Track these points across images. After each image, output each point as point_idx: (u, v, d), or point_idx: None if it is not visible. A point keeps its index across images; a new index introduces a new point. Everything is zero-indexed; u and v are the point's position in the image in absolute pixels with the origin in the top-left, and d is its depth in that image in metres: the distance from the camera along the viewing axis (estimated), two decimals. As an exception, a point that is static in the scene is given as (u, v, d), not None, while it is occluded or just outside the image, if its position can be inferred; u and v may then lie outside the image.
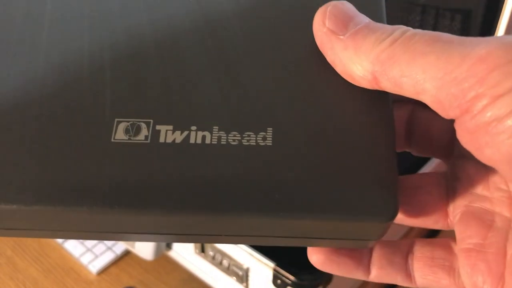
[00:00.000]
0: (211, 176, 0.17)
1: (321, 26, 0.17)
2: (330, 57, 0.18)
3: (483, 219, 0.18)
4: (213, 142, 0.17)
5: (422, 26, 0.47)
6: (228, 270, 0.54)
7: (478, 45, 0.15)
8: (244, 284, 0.53)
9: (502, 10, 0.39)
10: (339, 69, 0.18)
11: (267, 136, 0.17)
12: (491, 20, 0.42)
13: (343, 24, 0.17)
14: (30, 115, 0.18)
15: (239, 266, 0.52)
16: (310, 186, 0.16)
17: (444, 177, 0.21)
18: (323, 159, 0.17)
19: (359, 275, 0.20)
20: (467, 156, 0.18)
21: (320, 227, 0.17)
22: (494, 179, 0.19)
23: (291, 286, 0.47)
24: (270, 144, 0.17)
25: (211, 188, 0.17)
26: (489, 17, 0.43)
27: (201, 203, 0.16)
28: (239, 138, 0.17)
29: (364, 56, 0.16)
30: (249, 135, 0.17)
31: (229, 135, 0.17)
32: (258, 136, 0.17)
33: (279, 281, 0.48)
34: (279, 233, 0.18)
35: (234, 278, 0.54)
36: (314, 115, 0.18)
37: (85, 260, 0.63)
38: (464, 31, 0.45)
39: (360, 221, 0.16)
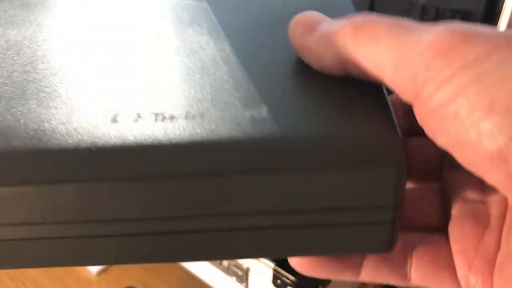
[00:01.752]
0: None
1: (293, 32, 0.19)
2: (305, 57, 0.19)
3: (478, 220, 0.18)
4: None
5: (422, 26, 0.47)
6: (228, 270, 0.54)
7: (430, 30, 0.15)
8: (244, 284, 0.53)
9: (502, 10, 0.39)
10: (314, 65, 0.18)
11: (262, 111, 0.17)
12: (491, 20, 0.42)
13: (312, 26, 0.18)
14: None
15: (239, 266, 0.52)
16: (318, 142, 0.16)
17: (436, 191, 0.21)
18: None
19: (347, 276, 0.20)
20: (456, 166, 0.18)
21: (326, 186, 0.17)
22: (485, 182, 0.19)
23: (291, 286, 0.47)
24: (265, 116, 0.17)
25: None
26: (489, 17, 0.43)
27: (196, 166, 0.16)
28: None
29: (331, 47, 0.17)
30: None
31: None
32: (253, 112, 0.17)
33: (279, 281, 0.48)
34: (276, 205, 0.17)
35: (234, 278, 0.54)
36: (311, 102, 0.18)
37: (85, 260, 0.63)
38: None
39: (369, 168, 0.16)
